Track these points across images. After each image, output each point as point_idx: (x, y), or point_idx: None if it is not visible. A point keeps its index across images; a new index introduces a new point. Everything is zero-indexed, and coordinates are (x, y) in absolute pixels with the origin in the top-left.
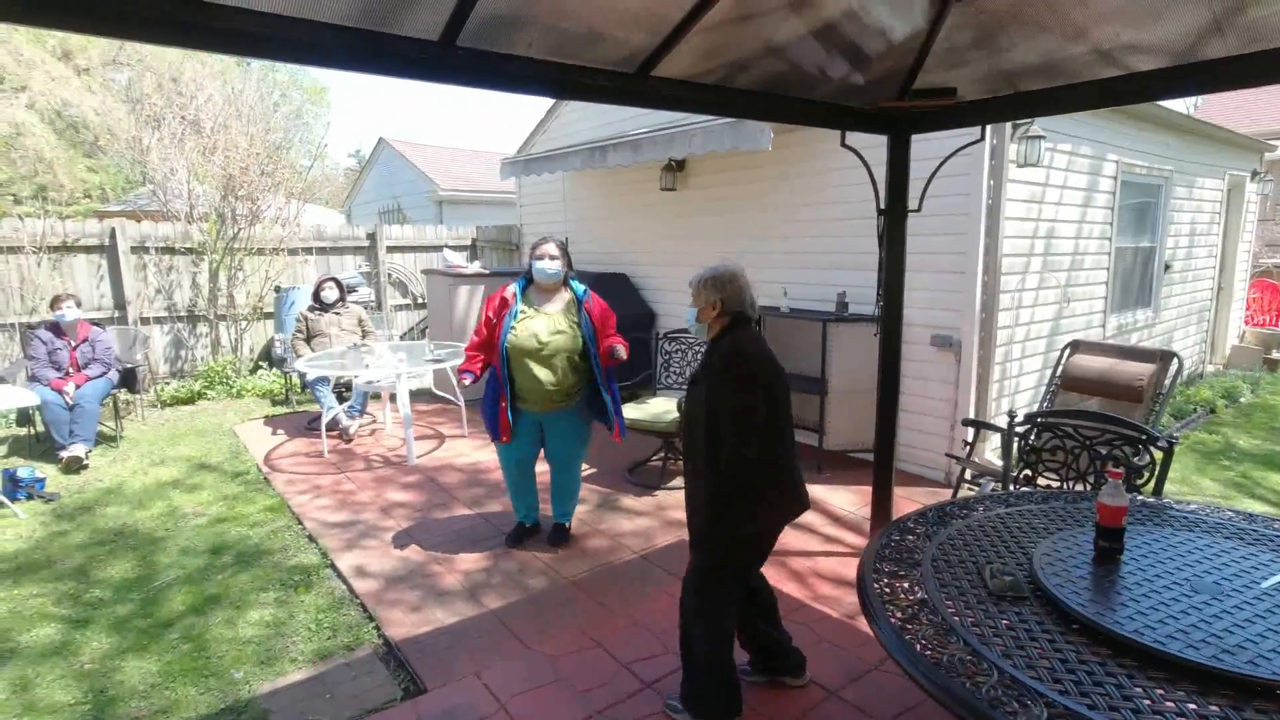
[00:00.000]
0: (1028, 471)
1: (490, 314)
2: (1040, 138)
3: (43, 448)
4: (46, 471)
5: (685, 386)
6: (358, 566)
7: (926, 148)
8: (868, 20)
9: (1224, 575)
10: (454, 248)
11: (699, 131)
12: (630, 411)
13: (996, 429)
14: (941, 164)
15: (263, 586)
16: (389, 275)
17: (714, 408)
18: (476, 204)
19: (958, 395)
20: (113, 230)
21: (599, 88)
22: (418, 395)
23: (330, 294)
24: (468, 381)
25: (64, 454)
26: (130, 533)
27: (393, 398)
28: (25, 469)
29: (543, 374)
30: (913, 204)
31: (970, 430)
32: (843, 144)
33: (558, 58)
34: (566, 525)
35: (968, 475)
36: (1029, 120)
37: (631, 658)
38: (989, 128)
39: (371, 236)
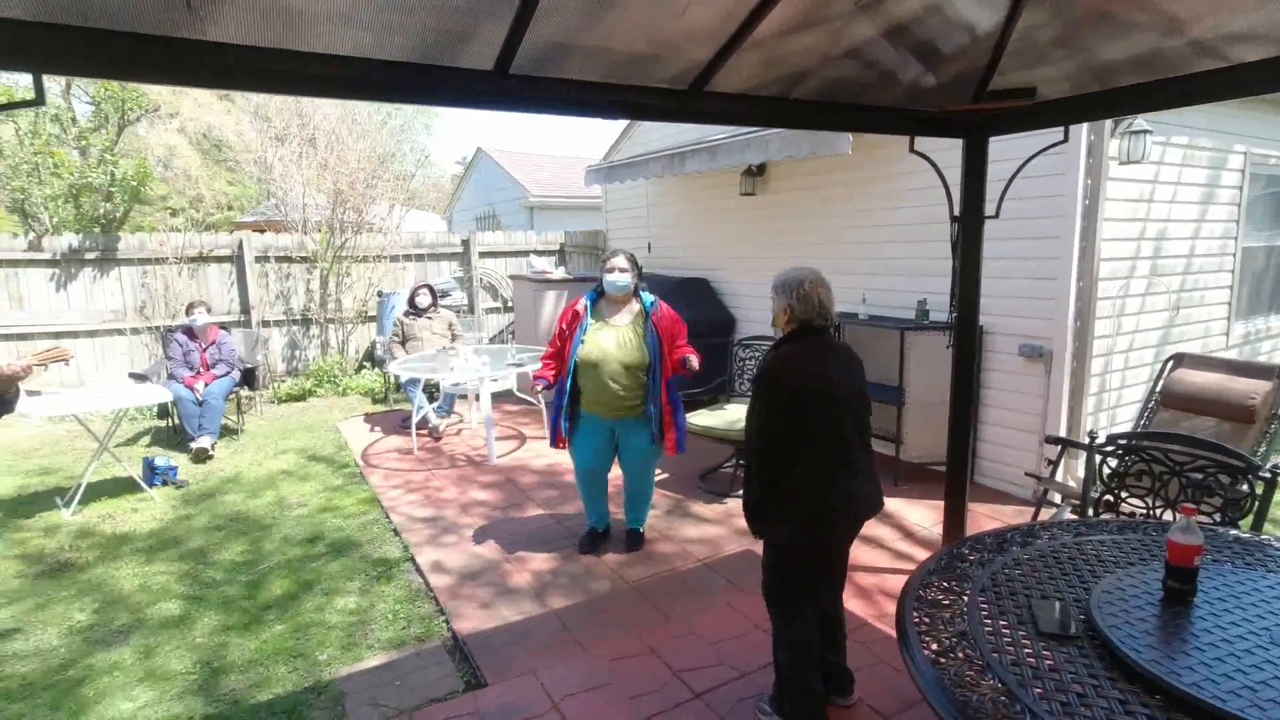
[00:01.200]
0: (1109, 497)
1: (563, 326)
2: (1145, 132)
3: (177, 438)
4: (178, 460)
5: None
6: (435, 561)
7: (1007, 148)
8: (937, 21)
9: None
10: (540, 253)
11: (774, 137)
12: (704, 418)
13: (1083, 447)
14: (1021, 167)
15: (350, 576)
16: (481, 279)
17: (752, 419)
18: (566, 209)
19: (1047, 409)
20: (240, 241)
21: (652, 107)
22: (501, 397)
23: (423, 300)
24: (540, 388)
25: (193, 445)
26: (244, 519)
27: (477, 398)
28: (162, 458)
29: (611, 385)
30: (990, 209)
31: (1057, 448)
32: (911, 150)
33: (609, 79)
34: (640, 531)
35: (1055, 497)
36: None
37: (684, 666)
38: (1082, 126)
39: (465, 243)
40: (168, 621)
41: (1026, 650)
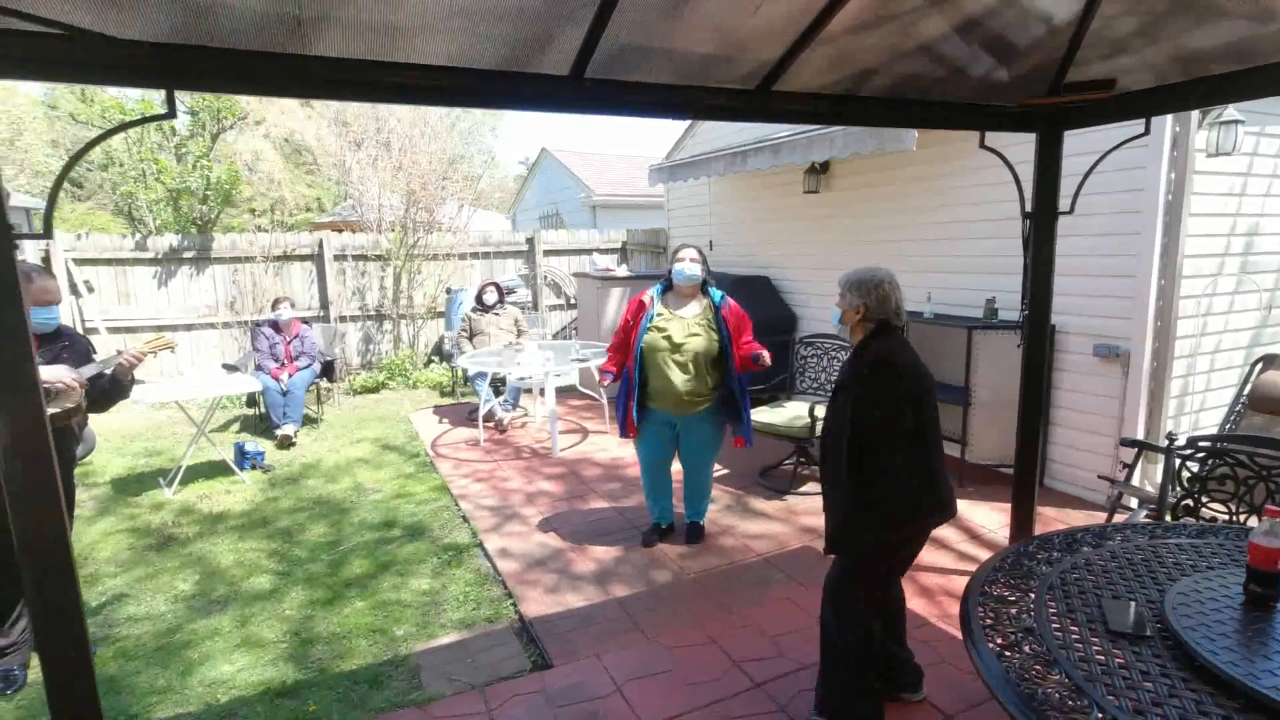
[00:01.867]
0: (1188, 502)
1: (628, 317)
2: (1237, 122)
3: (263, 426)
4: (265, 446)
5: (819, 391)
6: (502, 548)
7: (1082, 142)
8: (1013, 14)
9: None
10: (603, 251)
11: (839, 134)
12: (765, 415)
13: (1161, 450)
14: (1099, 161)
15: (423, 559)
16: (545, 277)
17: (859, 415)
18: (628, 208)
19: (1124, 412)
20: (320, 241)
21: (720, 107)
22: (565, 391)
23: (490, 296)
24: (607, 381)
25: (278, 432)
26: (324, 502)
27: (542, 393)
28: (251, 444)
29: (676, 376)
30: (1064, 205)
31: (1133, 451)
32: (982, 145)
33: (680, 81)
34: (700, 523)
35: (1130, 501)
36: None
37: (743, 657)
38: (1166, 118)
39: (530, 241)
40: (259, 594)
41: (1095, 648)
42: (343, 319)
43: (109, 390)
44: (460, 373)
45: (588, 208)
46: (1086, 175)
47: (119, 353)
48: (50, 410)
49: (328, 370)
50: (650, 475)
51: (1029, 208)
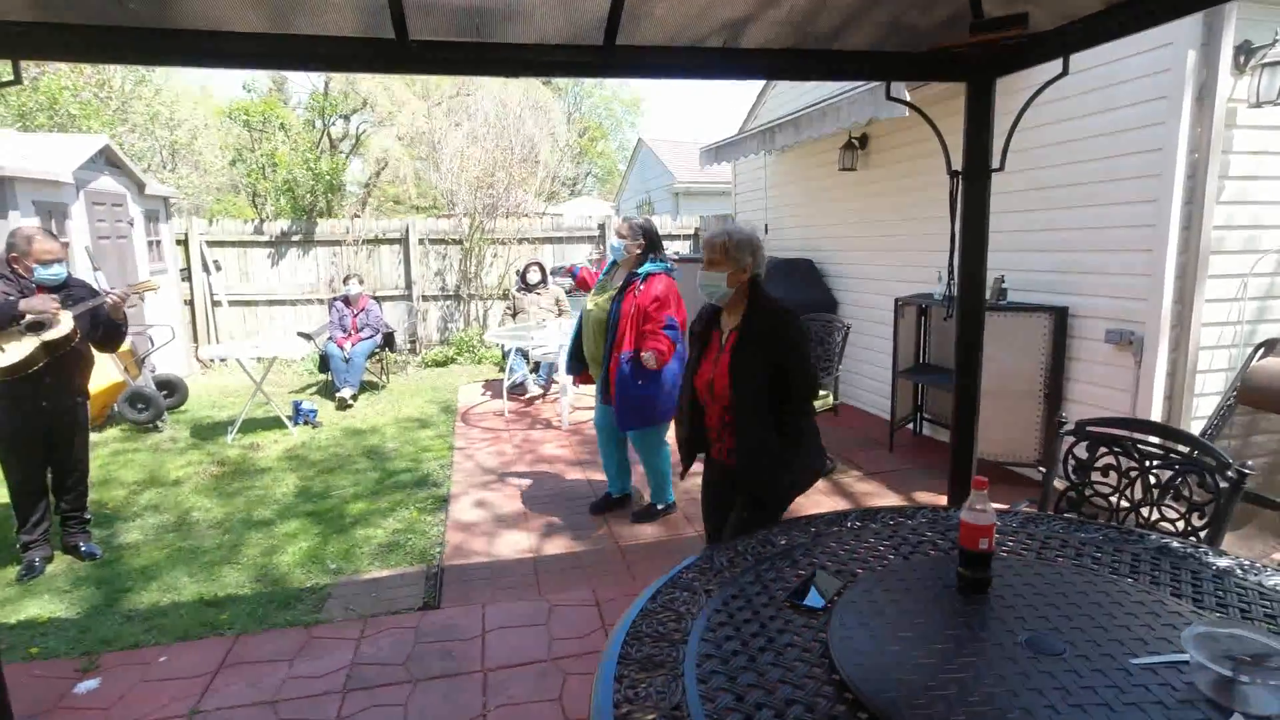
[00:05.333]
0: (1072, 493)
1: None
2: None
3: (333, 389)
4: (325, 406)
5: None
6: (467, 503)
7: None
8: None
9: (1104, 638)
10: (674, 237)
11: (845, 101)
12: None
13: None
14: (1023, 110)
15: (407, 506)
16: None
17: (790, 363)
18: (709, 195)
19: (1136, 404)
20: (407, 226)
21: (561, 64)
22: None
23: (534, 276)
24: None
25: (337, 395)
26: (351, 455)
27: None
28: (308, 403)
29: (589, 346)
30: (996, 161)
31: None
32: (888, 97)
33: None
34: (654, 505)
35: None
36: (1270, 42)
37: (615, 619)
38: (1187, 60)
39: (601, 227)
40: (255, 523)
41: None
42: (424, 298)
43: (107, 328)
44: (499, 348)
45: (672, 194)
46: (1013, 127)
47: (106, 294)
48: (45, 337)
49: (389, 341)
50: (601, 444)
51: (957, 165)
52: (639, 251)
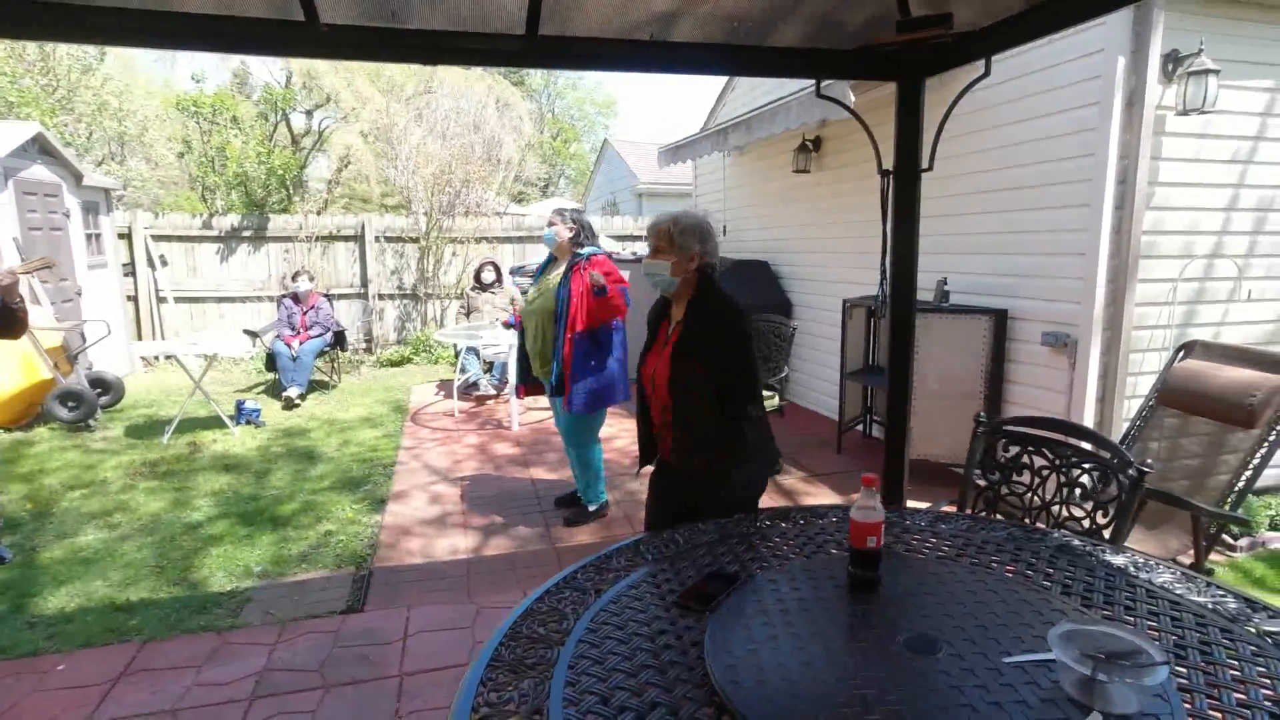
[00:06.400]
0: (989, 493)
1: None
2: (1210, 72)
3: (280, 388)
4: (271, 405)
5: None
6: (405, 505)
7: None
8: None
9: (982, 637)
10: (615, 238)
11: (794, 103)
12: None
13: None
14: (949, 111)
15: (342, 507)
16: None
17: (729, 364)
18: (672, 196)
19: (1070, 405)
20: (363, 223)
21: (481, 52)
22: None
23: (488, 275)
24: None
25: (284, 394)
26: (291, 455)
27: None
28: (251, 402)
29: (528, 340)
30: (925, 161)
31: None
32: (818, 94)
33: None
34: (583, 503)
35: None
36: (1195, 51)
37: None
38: (1117, 68)
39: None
40: (182, 525)
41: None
42: (380, 296)
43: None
44: (452, 348)
45: (635, 195)
46: (941, 127)
47: None
48: None
49: (340, 340)
50: (566, 446)
51: (888, 165)
52: (570, 235)
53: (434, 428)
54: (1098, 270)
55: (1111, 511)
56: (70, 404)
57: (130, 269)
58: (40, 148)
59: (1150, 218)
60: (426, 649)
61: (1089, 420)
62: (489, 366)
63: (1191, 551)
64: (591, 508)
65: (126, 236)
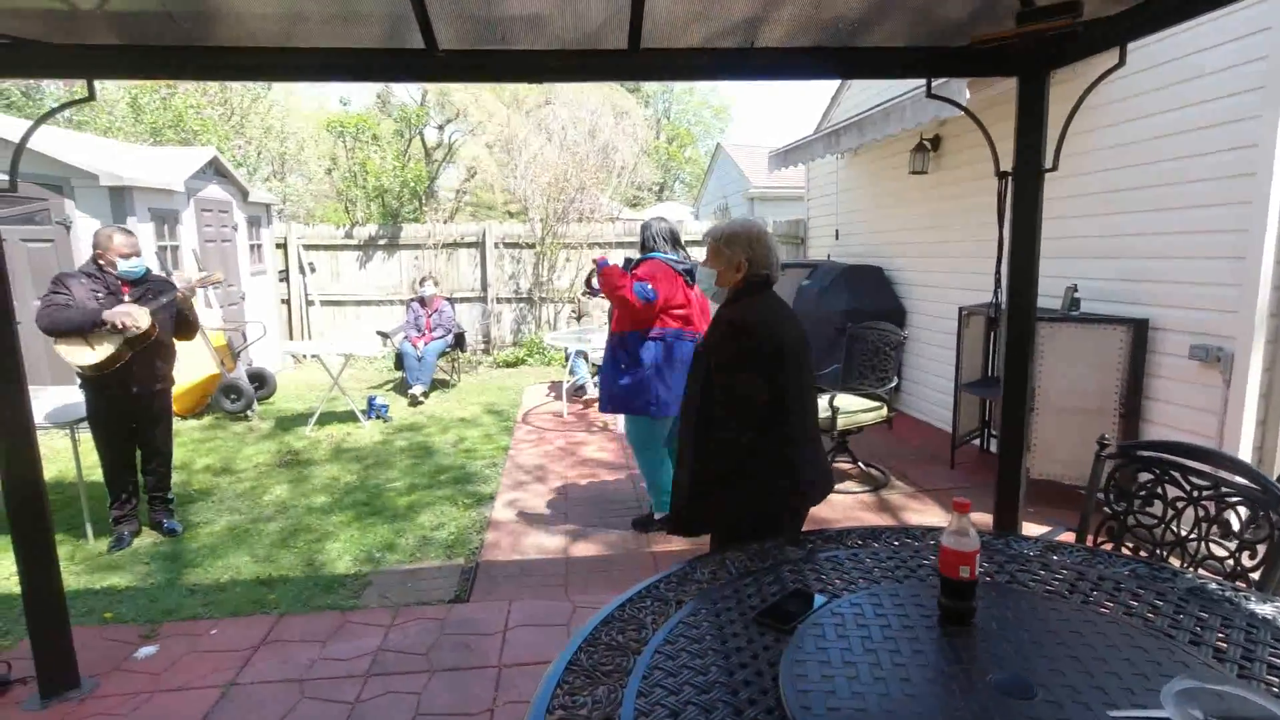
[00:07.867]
0: (1113, 523)
1: None
2: None
3: (406, 385)
4: (398, 402)
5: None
6: (510, 501)
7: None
8: None
9: (1086, 685)
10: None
11: (909, 101)
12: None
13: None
14: (1077, 105)
15: (452, 502)
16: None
17: (720, 377)
18: (784, 200)
19: (1224, 427)
20: (484, 230)
21: (593, 68)
22: None
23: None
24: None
25: (409, 391)
26: (414, 449)
27: None
28: (382, 399)
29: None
30: (1048, 161)
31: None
32: (929, 94)
33: (545, 45)
34: (653, 514)
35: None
36: None
37: None
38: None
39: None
40: (316, 509)
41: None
42: (499, 300)
43: (179, 320)
44: (562, 350)
45: (746, 200)
46: (1067, 124)
47: (177, 288)
48: (128, 335)
49: (460, 341)
50: None
51: (1006, 166)
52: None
53: (542, 428)
54: (1260, 275)
55: (1261, 553)
56: (232, 396)
57: (284, 275)
58: (215, 169)
59: None
60: (524, 642)
61: (1247, 445)
62: (597, 370)
63: None
64: (657, 516)
65: (282, 246)
